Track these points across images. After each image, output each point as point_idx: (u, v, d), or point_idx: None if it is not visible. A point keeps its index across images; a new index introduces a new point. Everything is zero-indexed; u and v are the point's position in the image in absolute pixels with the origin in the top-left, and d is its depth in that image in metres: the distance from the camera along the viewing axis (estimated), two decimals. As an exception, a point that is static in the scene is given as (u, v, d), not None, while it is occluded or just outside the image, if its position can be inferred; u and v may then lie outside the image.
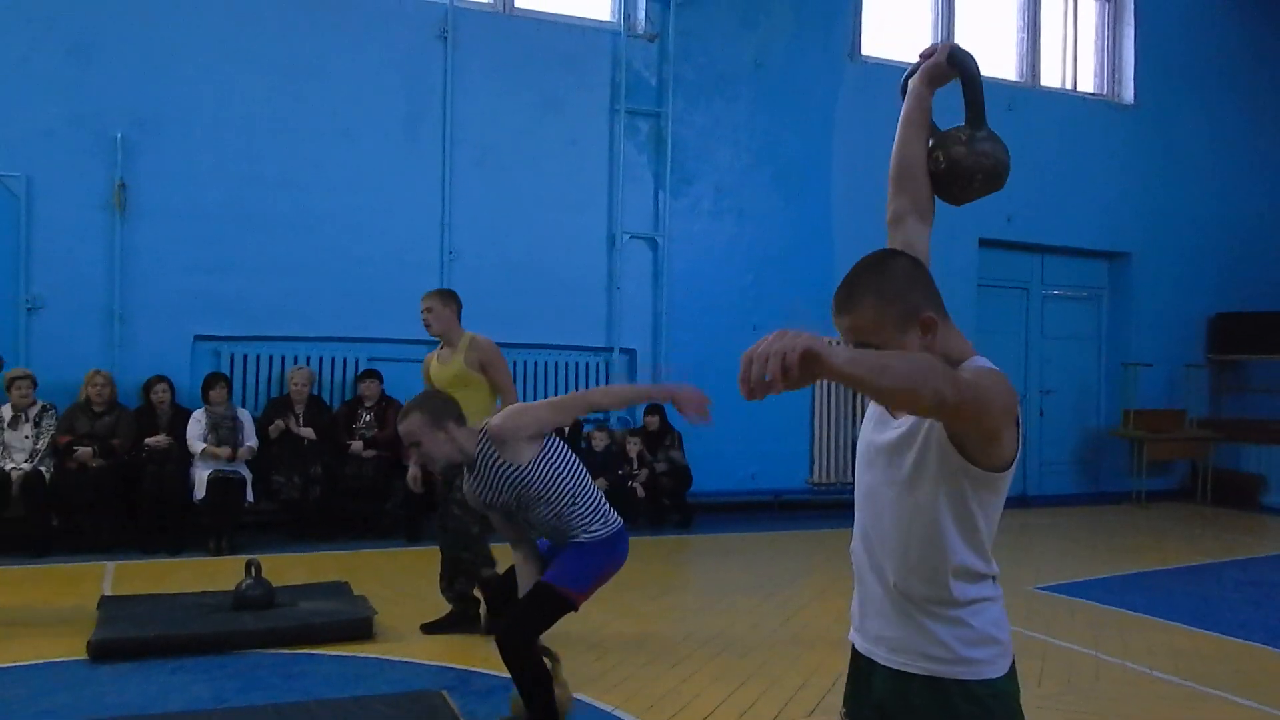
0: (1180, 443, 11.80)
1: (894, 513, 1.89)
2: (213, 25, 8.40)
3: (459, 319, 5.80)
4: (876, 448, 1.95)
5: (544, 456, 3.60)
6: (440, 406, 3.65)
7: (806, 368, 1.54)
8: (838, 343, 1.86)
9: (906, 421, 1.87)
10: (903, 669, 1.89)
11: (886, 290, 1.85)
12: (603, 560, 3.70)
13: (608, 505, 3.79)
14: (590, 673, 4.66)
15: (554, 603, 3.65)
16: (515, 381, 9.35)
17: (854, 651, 2.04)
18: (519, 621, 3.63)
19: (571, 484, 3.65)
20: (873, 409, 1.98)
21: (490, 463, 3.61)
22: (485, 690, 4.45)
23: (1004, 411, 1.74)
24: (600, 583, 3.74)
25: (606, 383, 9.66)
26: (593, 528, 3.68)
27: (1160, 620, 6.13)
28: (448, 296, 5.84)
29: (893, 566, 1.90)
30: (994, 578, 1.92)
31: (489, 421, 3.65)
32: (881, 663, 1.93)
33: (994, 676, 1.85)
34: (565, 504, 3.63)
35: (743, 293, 10.20)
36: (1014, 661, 1.92)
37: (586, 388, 9.48)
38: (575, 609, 3.69)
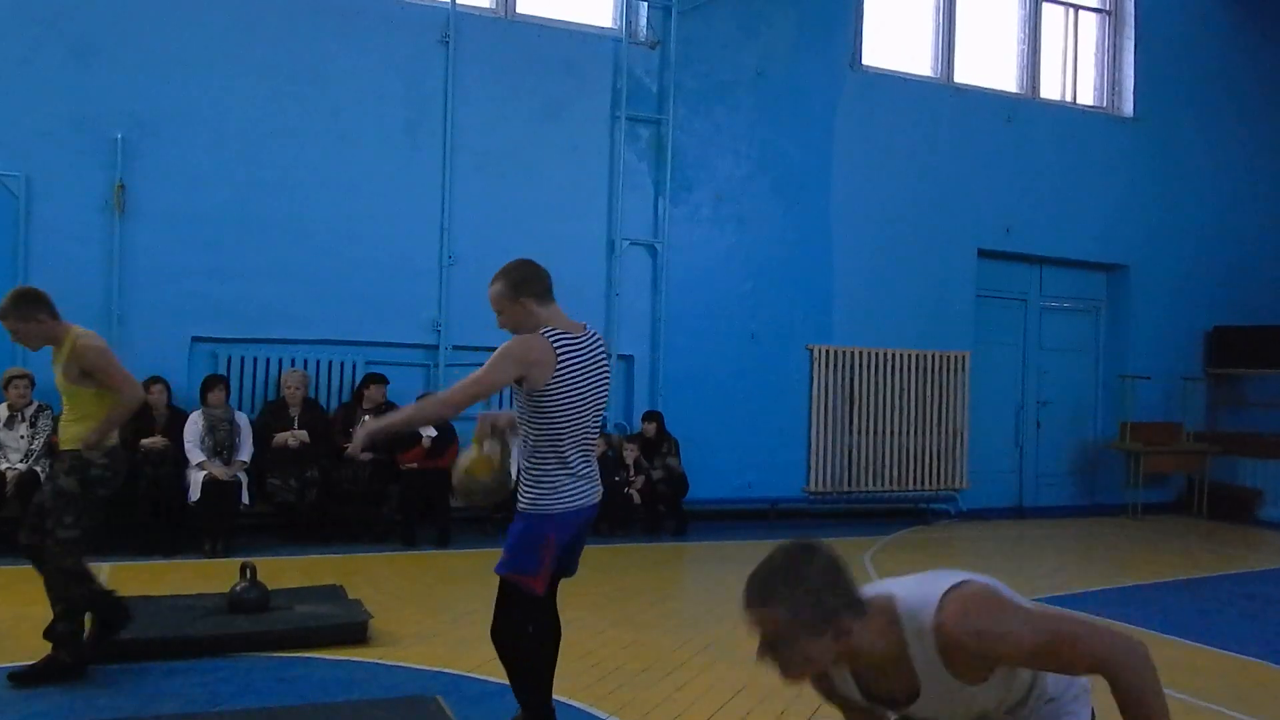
0: (1177, 456, 11.81)
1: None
2: (214, 28, 8.40)
3: (55, 317, 4.64)
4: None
5: (543, 391, 3.57)
6: (521, 278, 3.74)
7: None
8: None
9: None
10: None
11: (800, 599, 1.91)
12: (542, 532, 3.60)
13: (577, 483, 3.64)
14: (585, 680, 4.65)
15: (514, 594, 3.64)
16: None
17: None
18: (499, 620, 3.68)
19: (541, 434, 3.59)
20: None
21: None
22: (480, 695, 4.44)
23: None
24: (549, 551, 3.60)
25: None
26: (539, 496, 3.60)
27: (1156, 633, 6.12)
28: (24, 306, 4.62)
29: None
30: None
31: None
32: None
33: None
34: (531, 443, 3.61)
35: (741, 300, 10.21)
36: None
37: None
38: (540, 592, 3.64)
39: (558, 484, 3.61)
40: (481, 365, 3.69)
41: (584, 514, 3.71)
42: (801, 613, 1.89)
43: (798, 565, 1.94)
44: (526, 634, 3.69)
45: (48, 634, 4.53)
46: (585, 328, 3.77)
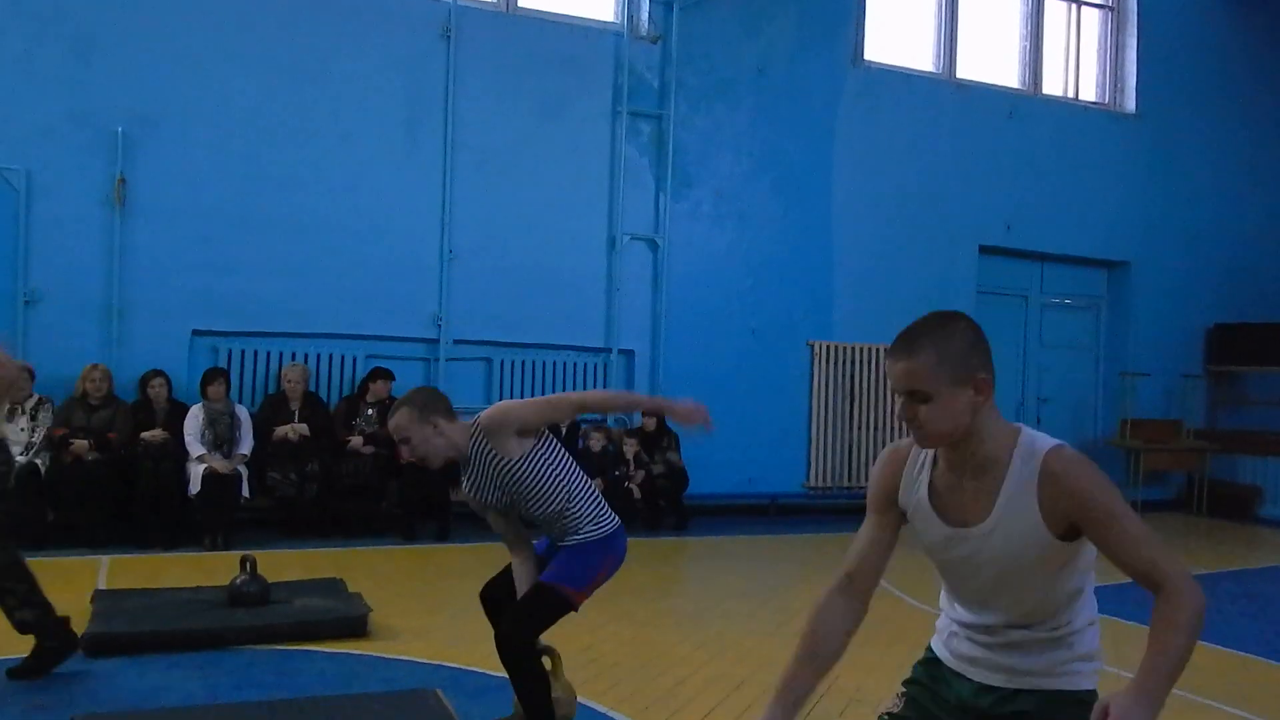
0: (1177, 453, 11.80)
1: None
2: (214, 23, 8.40)
3: None
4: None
5: (535, 452, 3.57)
6: (427, 400, 3.60)
7: None
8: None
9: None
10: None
11: (947, 348, 1.99)
12: (600, 558, 3.67)
13: (605, 504, 3.76)
14: (586, 675, 4.65)
15: (553, 603, 3.63)
16: (515, 382, 9.41)
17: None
18: (519, 622, 3.60)
19: (565, 481, 3.62)
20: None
21: (483, 457, 3.58)
22: (480, 689, 4.44)
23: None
24: (599, 581, 3.70)
25: (604, 384, 9.67)
26: (588, 527, 3.66)
27: (1155, 630, 6.12)
28: None
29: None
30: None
31: (479, 415, 3.63)
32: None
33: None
34: (560, 501, 3.61)
35: (741, 297, 10.20)
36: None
37: (584, 389, 9.50)
38: (575, 609, 3.67)
39: (592, 505, 3.70)
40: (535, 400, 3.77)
41: (624, 538, 3.80)
42: (946, 363, 1.97)
43: (946, 323, 2.02)
44: (536, 644, 3.66)
45: (21, 630, 4.47)
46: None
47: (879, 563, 2.24)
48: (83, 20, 8.07)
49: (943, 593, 2.29)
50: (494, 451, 3.55)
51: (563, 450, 3.71)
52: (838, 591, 2.22)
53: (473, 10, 9.30)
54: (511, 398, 8.96)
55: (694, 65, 10.03)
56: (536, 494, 3.59)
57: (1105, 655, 2.19)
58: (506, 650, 3.57)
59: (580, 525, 3.65)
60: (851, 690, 4.57)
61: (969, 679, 2.18)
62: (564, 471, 3.63)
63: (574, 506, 3.63)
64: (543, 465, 3.58)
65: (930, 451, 2.15)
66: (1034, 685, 2.11)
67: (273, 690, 4.38)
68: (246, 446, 7.87)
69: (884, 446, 9.63)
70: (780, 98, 10.35)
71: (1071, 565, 2.05)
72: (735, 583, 7.12)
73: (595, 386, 9.65)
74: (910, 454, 2.20)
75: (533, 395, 9.22)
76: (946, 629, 2.28)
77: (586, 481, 3.72)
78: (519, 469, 3.55)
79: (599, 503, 3.72)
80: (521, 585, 3.74)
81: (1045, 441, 2.02)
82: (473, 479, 3.65)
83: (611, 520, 3.73)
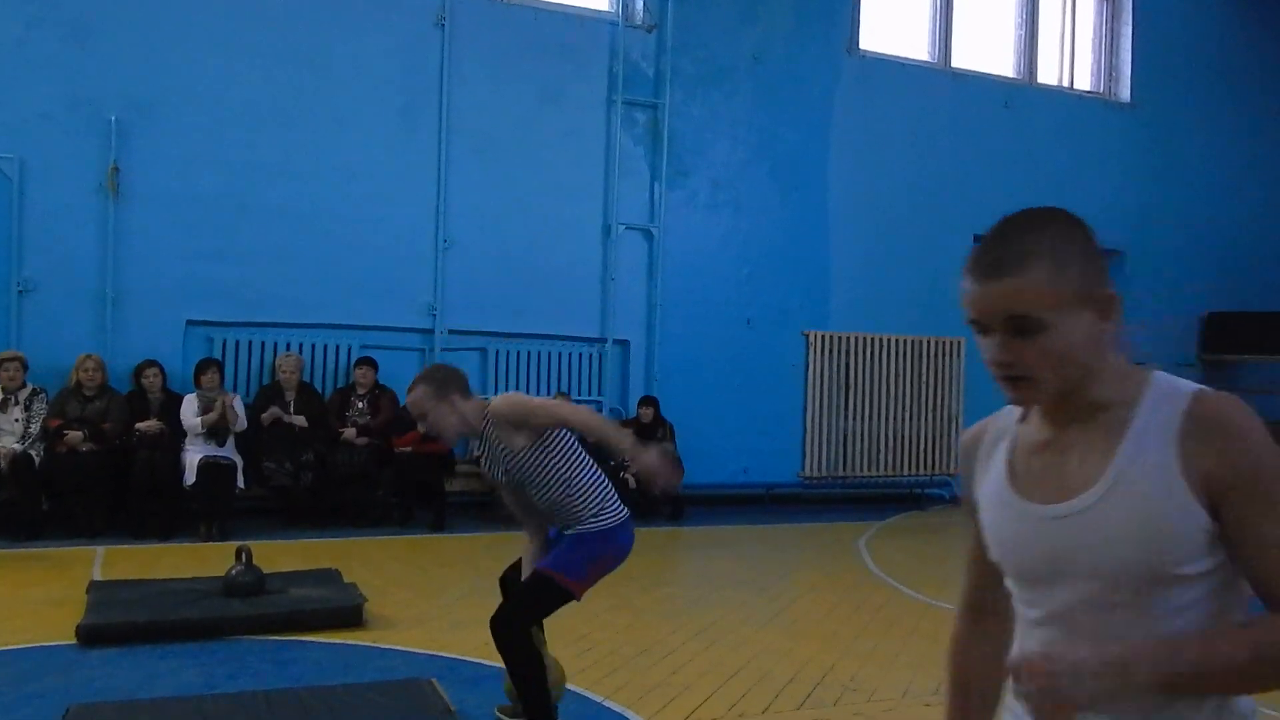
0: (1171, 442, 11.81)
1: None
2: (210, 10, 8.36)
3: None
4: None
5: (541, 444, 3.59)
6: (445, 378, 3.64)
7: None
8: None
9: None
10: None
11: (1063, 253, 1.37)
12: (599, 550, 3.66)
13: (613, 496, 3.73)
14: (581, 664, 4.66)
15: (553, 591, 3.62)
16: (510, 372, 9.41)
17: None
18: (516, 609, 3.61)
19: (569, 473, 3.62)
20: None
21: (491, 440, 3.63)
22: (475, 678, 4.45)
23: None
24: (601, 572, 3.69)
25: (600, 374, 9.68)
26: (588, 519, 3.65)
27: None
28: None
29: None
30: None
31: (491, 400, 3.65)
32: None
33: None
34: (560, 492, 3.61)
35: (738, 286, 10.20)
36: None
37: (581, 382, 9.54)
38: (576, 598, 3.67)
39: (598, 496, 3.66)
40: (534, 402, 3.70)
41: (629, 530, 3.75)
42: (1065, 275, 1.35)
43: (1050, 221, 1.41)
44: (529, 633, 3.65)
45: None
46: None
47: (991, 576, 1.53)
48: (77, 7, 8.03)
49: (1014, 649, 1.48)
50: (499, 438, 3.58)
51: (573, 442, 3.68)
52: (964, 626, 1.65)
53: (467, -2, 9.28)
54: (507, 388, 8.97)
55: (690, 53, 10.00)
56: (536, 483, 3.61)
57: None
58: (496, 634, 3.58)
59: (581, 517, 3.64)
60: (845, 680, 4.58)
61: None
62: (567, 464, 3.62)
63: (575, 498, 3.63)
64: (545, 457, 3.59)
65: (1017, 414, 1.51)
66: None
67: (269, 680, 4.38)
68: (240, 425, 7.85)
69: (880, 437, 9.42)
70: (776, 86, 10.33)
71: (1219, 572, 1.33)
72: (730, 571, 7.14)
73: (590, 376, 9.67)
74: (987, 429, 1.57)
75: (528, 385, 9.25)
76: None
77: (594, 474, 3.70)
78: (521, 458, 3.58)
79: (604, 495, 3.69)
80: (527, 567, 3.76)
81: (1186, 384, 1.39)
82: (484, 455, 3.73)
83: (616, 514, 3.70)
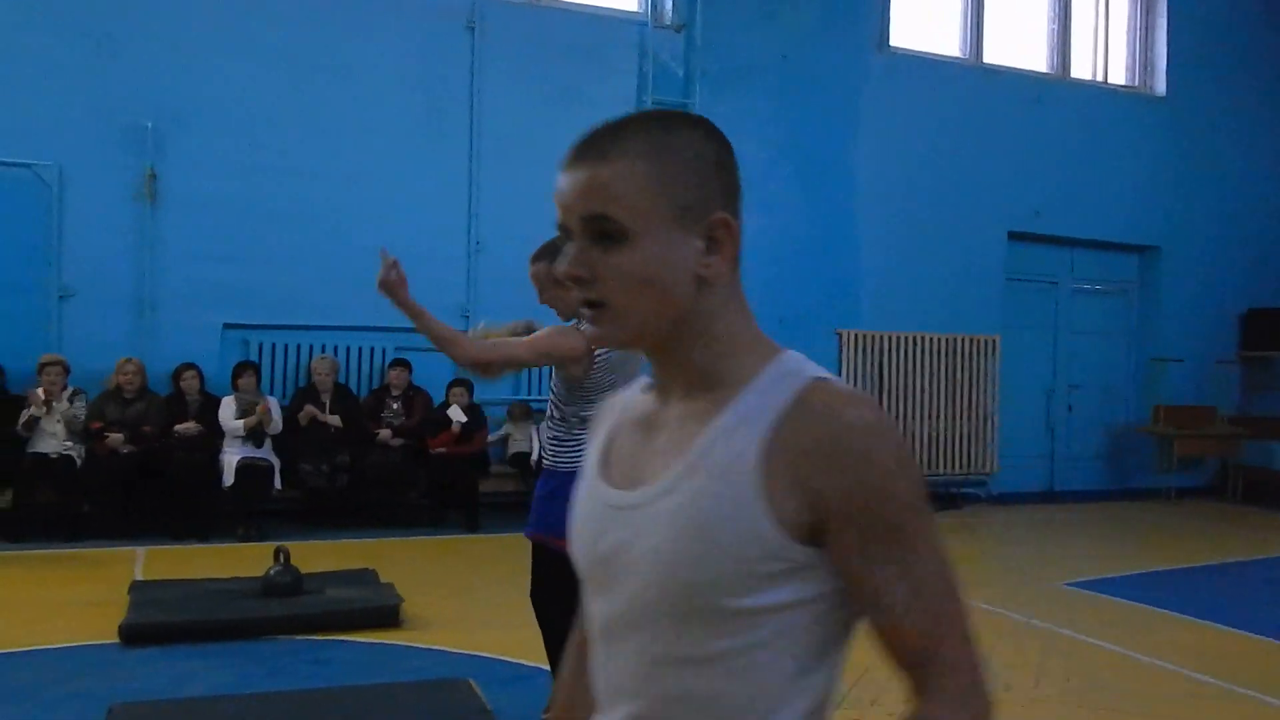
0: (1210, 439, 11.67)
1: None
2: (239, 16, 8.44)
3: None
4: None
5: (584, 376, 3.64)
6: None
7: None
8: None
9: None
10: None
11: (677, 156, 1.09)
12: (569, 491, 3.54)
13: (582, 445, 3.57)
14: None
15: (549, 557, 3.48)
16: (540, 373, 9.40)
17: None
18: (535, 584, 3.65)
19: (567, 403, 3.65)
20: None
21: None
22: (512, 678, 4.47)
23: None
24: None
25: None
26: (562, 454, 3.61)
27: (1189, 618, 6.07)
28: None
29: None
30: None
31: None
32: None
33: None
34: (553, 408, 3.68)
35: (768, 285, 10.14)
36: None
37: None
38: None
39: (583, 440, 3.63)
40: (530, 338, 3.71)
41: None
42: (663, 180, 1.08)
43: (670, 123, 1.13)
44: (561, 597, 3.58)
45: None
46: None
47: None
48: (111, 16, 8.14)
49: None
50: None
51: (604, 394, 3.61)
52: (571, 661, 1.35)
53: (496, 1, 9.30)
54: (539, 389, 9.01)
55: (717, 52, 9.98)
56: (559, 396, 3.67)
57: None
58: (535, 607, 3.62)
59: (557, 443, 3.63)
60: (882, 680, 4.56)
61: None
62: (578, 398, 3.61)
63: (556, 425, 3.62)
64: (572, 383, 3.63)
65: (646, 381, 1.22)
66: None
67: (306, 680, 4.43)
68: (276, 428, 7.94)
69: (915, 436, 9.31)
70: (804, 84, 10.29)
71: (801, 612, 1.03)
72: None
73: (622, 376, 9.65)
74: (620, 397, 1.27)
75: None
76: None
77: (583, 420, 3.57)
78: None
79: (575, 439, 3.55)
80: None
81: (808, 367, 1.11)
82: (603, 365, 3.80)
83: (571, 461, 3.46)
